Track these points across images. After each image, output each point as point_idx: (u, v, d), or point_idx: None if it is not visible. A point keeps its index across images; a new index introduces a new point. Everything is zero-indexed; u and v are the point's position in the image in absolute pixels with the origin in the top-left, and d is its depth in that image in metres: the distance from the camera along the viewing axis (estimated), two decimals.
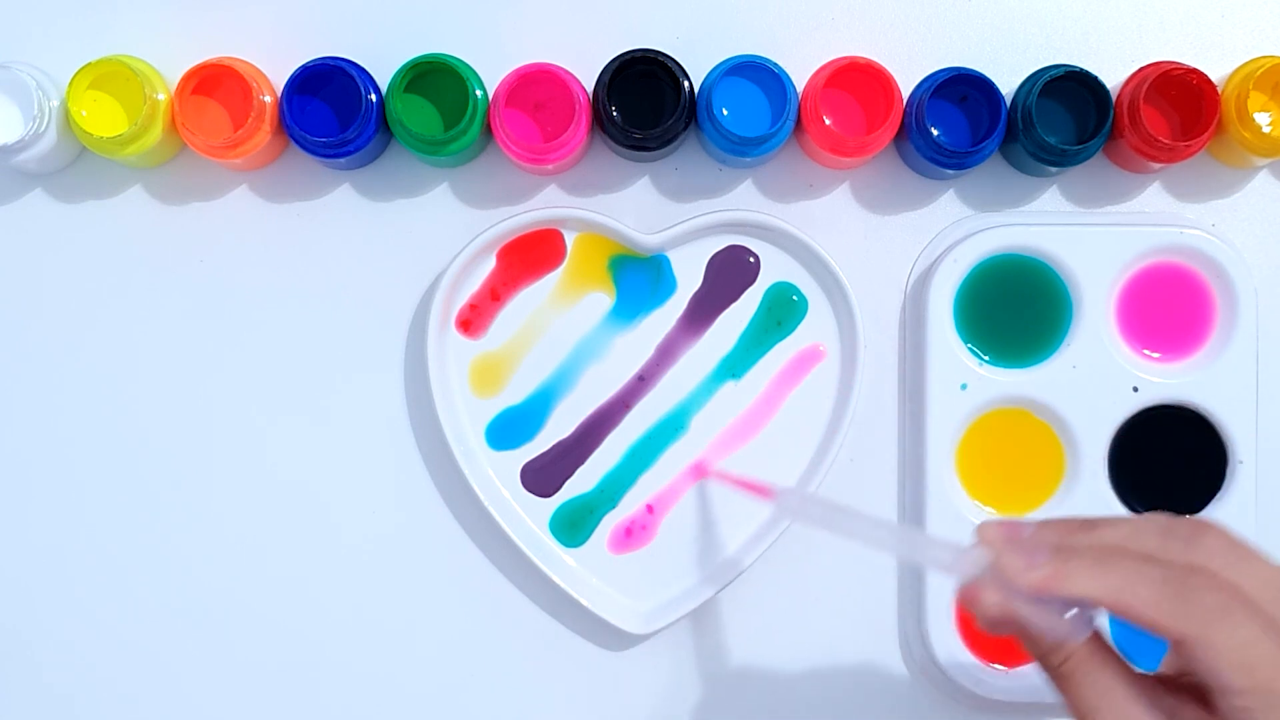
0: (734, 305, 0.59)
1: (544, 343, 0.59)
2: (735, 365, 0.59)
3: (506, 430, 0.60)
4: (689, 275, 0.59)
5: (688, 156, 0.60)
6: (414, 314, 0.60)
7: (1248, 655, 0.37)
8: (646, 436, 0.60)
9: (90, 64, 0.56)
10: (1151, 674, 0.41)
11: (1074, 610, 0.40)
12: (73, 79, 0.56)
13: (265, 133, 0.56)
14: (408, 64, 0.56)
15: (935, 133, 0.56)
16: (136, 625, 0.60)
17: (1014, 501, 0.59)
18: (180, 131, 0.56)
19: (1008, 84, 0.58)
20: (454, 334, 0.59)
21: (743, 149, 0.56)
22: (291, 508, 0.60)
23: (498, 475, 0.59)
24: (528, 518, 0.59)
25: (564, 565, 0.59)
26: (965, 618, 0.59)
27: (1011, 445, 0.59)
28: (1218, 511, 0.58)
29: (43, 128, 0.56)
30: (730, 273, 0.59)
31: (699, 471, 0.59)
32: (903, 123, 0.57)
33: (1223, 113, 0.56)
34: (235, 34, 0.59)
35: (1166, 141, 0.56)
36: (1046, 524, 0.42)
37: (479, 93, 0.56)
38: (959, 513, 0.58)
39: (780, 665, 0.60)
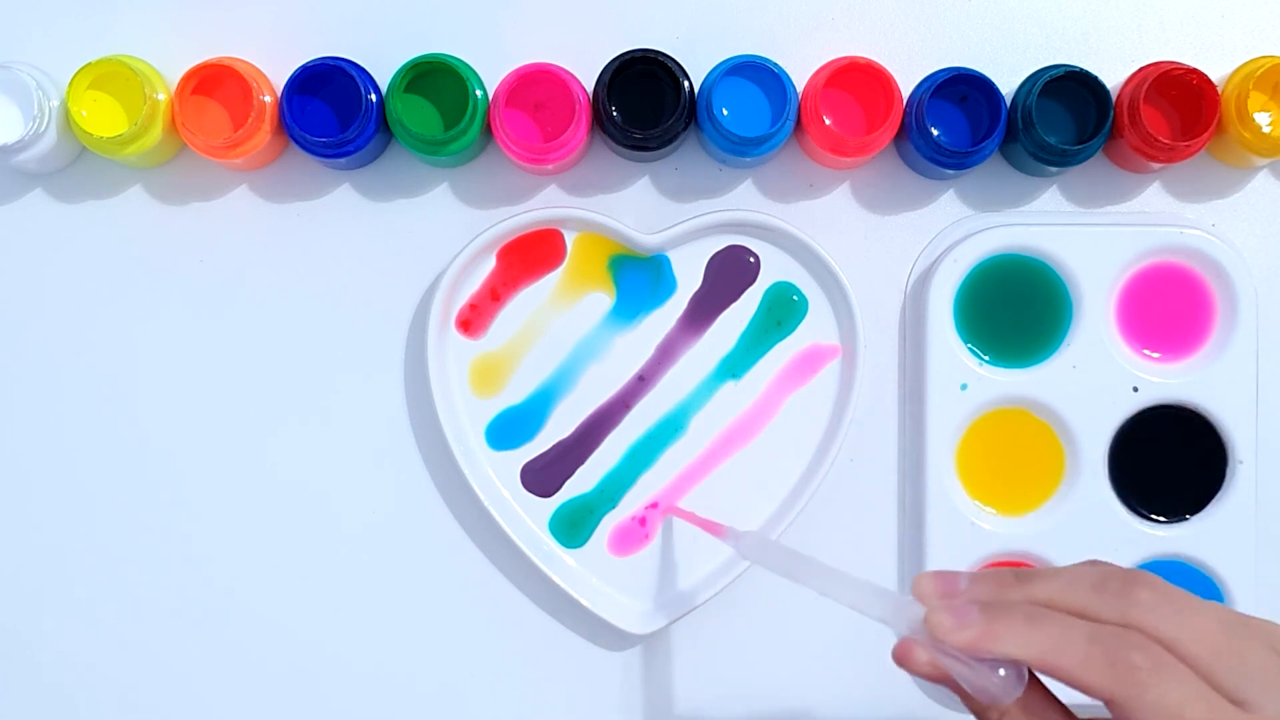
0: (734, 305, 0.59)
1: (544, 343, 0.59)
2: (735, 365, 0.59)
3: (506, 430, 0.60)
4: (689, 275, 0.59)
5: (688, 156, 0.60)
6: (414, 314, 0.60)
7: (1181, 713, 0.36)
8: (646, 436, 0.60)
9: (90, 64, 0.56)
10: None
11: (1006, 668, 0.39)
12: (73, 79, 0.56)
13: (265, 133, 0.56)
14: (408, 64, 0.56)
15: (935, 133, 0.56)
16: (137, 625, 0.60)
17: (1014, 501, 0.59)
18: (180, 131, 0.56)
19: (1008, 84, 0.58)
20: (454, 334, 0.59)
21: (743, 149, 0.56)
22: (291, 507, 0.60)
23: (498, 475, 0.59)
24: (528, 518, 0.59)
25: (564, 565, 0.59)
26: None
27: (1011, 445, 0.59)
28: (1218, 511, 0.58)
29: (43, 128, 0.56)
30: (730, 273, 0.59)
31: (662, 508, 0.59)
32: (903, 123, 0.57)
33: (1223, 113, 0.56)
34: (235, 34, 0.59)
35: (1166, 141, 0.56)
36: (980, 578, 0.41)
37: (479, 93, 0.56)
38: (959, 513, 0.58)
39: (780, 666, 0.60)
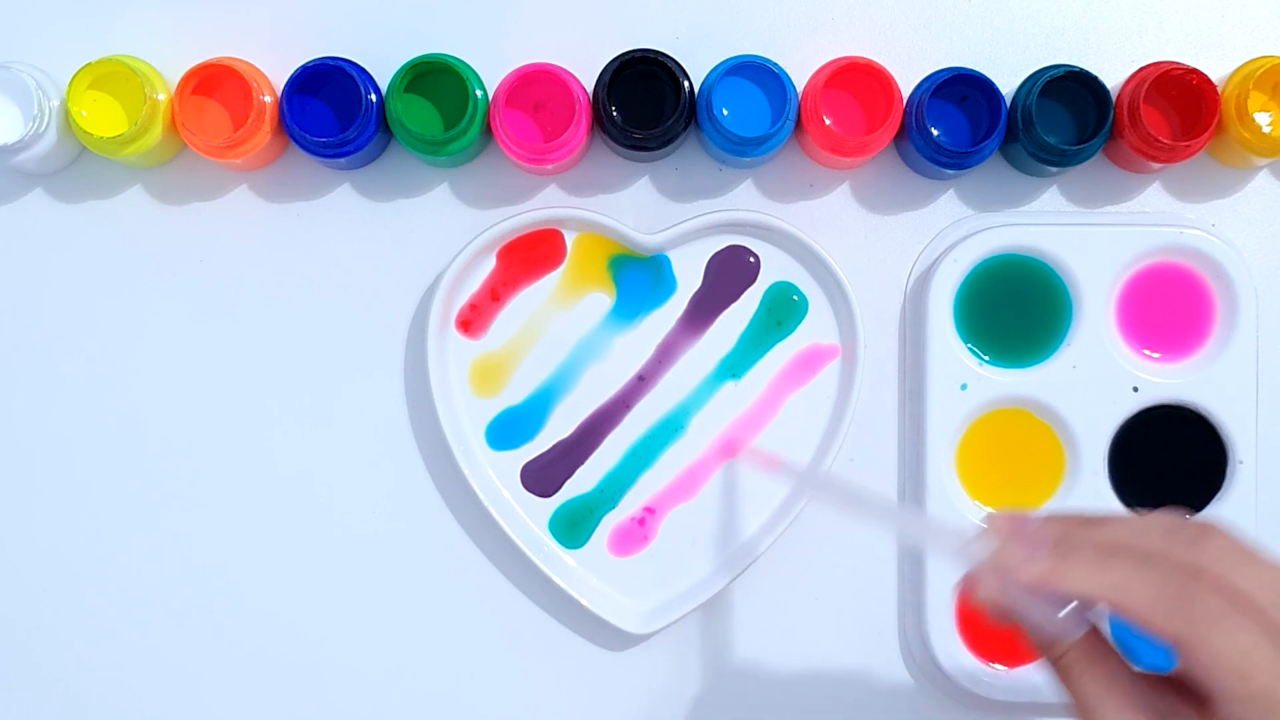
0: (734, 305, 0.59)
1: (544, 343, 0.59)
2: (735, 365, 0.59)
3: (506, 430, 0.60)
4: (689, 275, 0.59)
5: (688, 156, 0.60)
6: (414, 314, 0.60)
7: (1245, 661, 0.37)
8: (646, 436, 0.60)
9: (90, 64, 0.56)
10: (1152, 673, 0.40)
11: (1072, 605, 0.40)
12: (73, 79, 0.56)
13: (265, 133, 0.56)
14: (408, 64, 0.56)
15: (935, 133, 0.56)
16: (138, 625, 0.60)
17: (1014, 501, 0.59)
18: (180, 131, 0.56)
19: (1008, 84, 0.58)
20: (454, 334, 0.59)
21: (743, 149, 0.56)
22: (292, 507, 0.60)
23: (498, 475, 0.60)
24: (528, 518, 0.59)
25: (564, 565, 0.59)
26: (966, 618, 0.59)
27: (1011, 445, 0.59)
28: (1218, 511, 0.58)
29: (43, 128, 0.56)
30: (730, 273, 0.59)
31: (729, 449, 0.59)
32: (903, 123, 0.57)
33: (1223, 113, 0.56)
34: (235, 34, 0.59)
35: (1166, 141, 0.56)
36: (1052, 518, 0.42)
37: (479, 93, 0.56)
38: (959, 512, 0.58)
39: (780, 666, 0.60)
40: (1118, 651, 0.41)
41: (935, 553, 0.44)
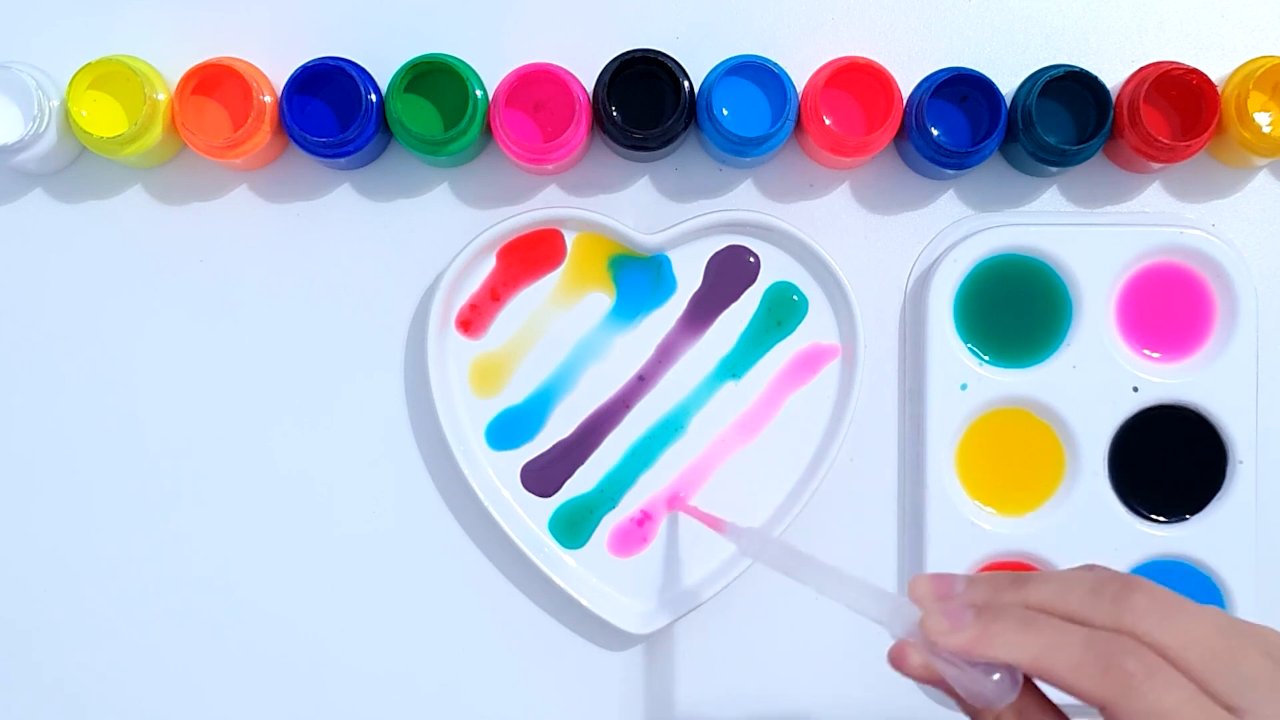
0: (734, 305, 0.59)
1: (544, 343, 0.59)
2: (735, 365, 0.59)
3: (506, 430, 0.60)
4: (689, 275, 0.59)
5: (688, 156, 0.60)
6: (414, 314, 0.60)
7: (1174, 719, 0.36)
8: (646, 436, 0.60)
9: (90, 64, 0.56)
10: None
11: (1000, 672, 0.39)
12: (73, 79, 0.56)
13: (265, 133, 0.56)
14: (408, 64, 0.56)
15: (935, 133, 0.56)
16: (138, 625, 0.60)
17: (1014, 501, 0.59)
18: (180, 131, 0.56)
19: (1008, 84, 0.58)
20: (454, 334, 0.59)
21: (743, 149, 0.56)
22: (291, 507, 0.60)
23: (498, 475, 0.59)
24: (528, 518, 0.59)
25: (564, 565, 0.59)
26: None
27: (1011, 445, 0.59)
28: (1218, 511, 0.58)
29: (43, 128, 0.56)
30: (730, 273, 0.59)
31: (672, 503, 0.59)
32: (903, 123, 0.57)
33: (1223, 113, 0.56)
34: (235, 34, 0.59)
35: (1166, 141, 0.56)
36: (975, 581, 0.41)
37: (479, 93, 0.56)
38: (959, 513, 0.58)
39: (780, 666, 0.60)
40: (1053, 709, 0.40)
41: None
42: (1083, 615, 0.38)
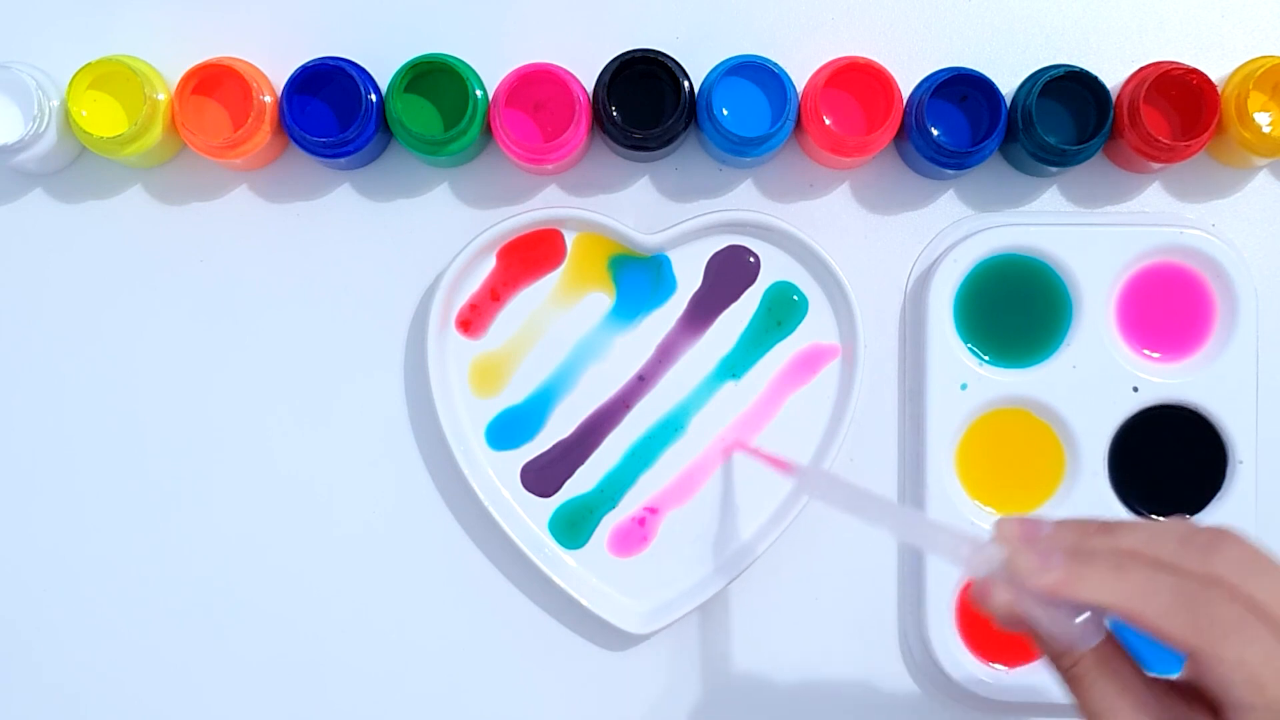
0: (734, 305, 0.59)
1: (544, 343, 0.59)
2: (735, 365, 0.59)
3: (506, 430, 0.60)
4: (689, 275, 0.59)
5: (688, 156, 0.60)
6: (414, 314, 0.60)
7: (1259, 671, 0.36)
8: (646, 436, 0.60)
9: (90, 64, 0.56)
10: (1166, 679, 0.40)
11: (1086, 614, 0.39)
12: (73, 79, 0.56)
13: (265, 133, 0.56)
14: (408, 64, 0.56)
15: (935, 133, 0.56)
16: (138, 625, 0.60)
17: (1014, 501, 0.59)
18: (180, 131, 0.56)
19: (1008, 84, 0.58)
20: (454, 334, 0.59)
21: (743, 149, 0.56)
22: (291, 507, 0.60)
23: (498, 475, 0.59)
24: (528, 518, 0.59)
25: (564, 565, 0.59)
26: (965, 618, 0.59)
27: (1011, 445, 0.59)
28: (1218, 511, 0.58)
29: (43, 128, 0.56)
30: (730, 273, 0.59)
31: (731, 447, 0.59)
32: (903, 123, 0.57)
33: (1223, 113, 0.56)
34: (235, 34, 0.59)
35: (1166, 141, 0.56)
36: (1064, 524, 0.41)
37: (479, 93, 0.56)
38: (959, 513, 0.58)
39: (780, 666, 0.60)
40: (1131, 659, 0.40)
41: (942, 557, 0.44)
42: (1172, 563, 0.38)
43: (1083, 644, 0.39)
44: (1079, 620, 0.39)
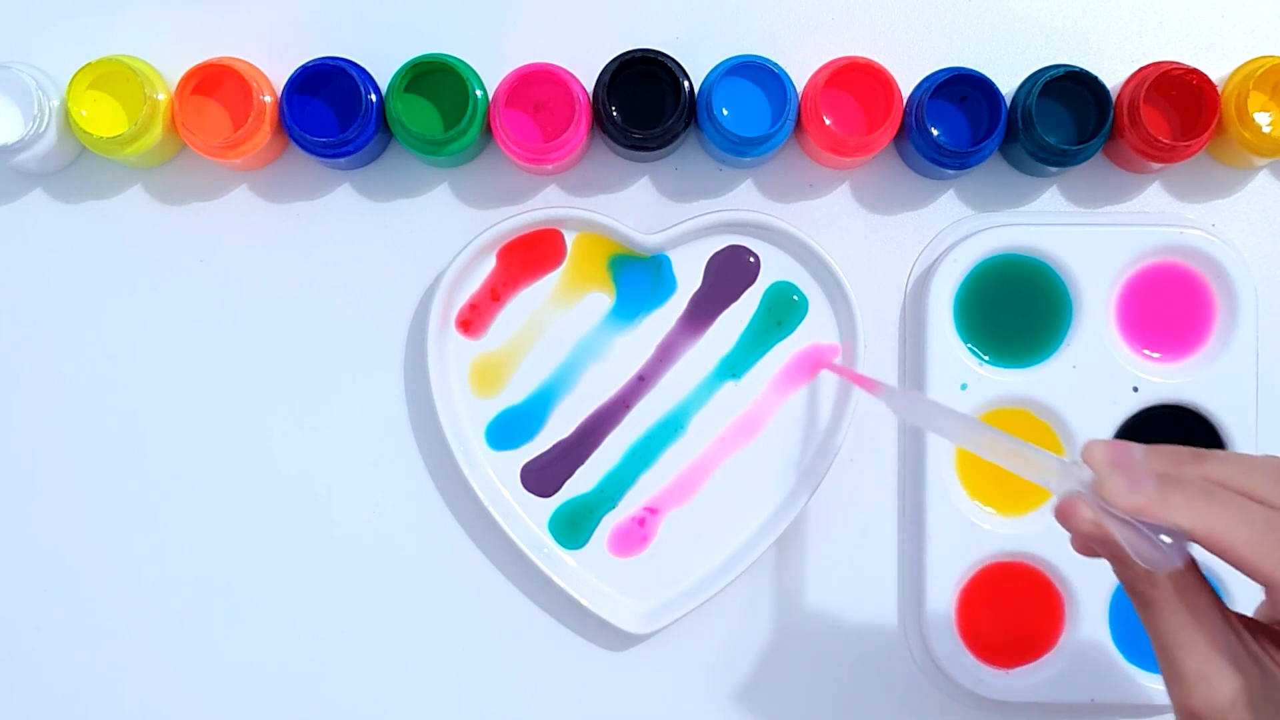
0: (734, 305, 0.59)
1: (544, 343, 0.59)
2: (735, 365, 0.59)
3: (506, 430, 0.60)
4: (689, 275, 0.59)
5: (688, 156, 0.60)
6: (414, 314, 0.60)
7: None
8: (646, 436, 0.60)
9: (90, 64, 0.56)
10: (1244, 616, 0.40)
11: (1170, 539, 0.38)
12: (73, 79, 0.56)
13: (265, 133, 0.56)
14: (408, 64, 0.56)
15: (935, 133, 0.56)
16: (138, 625, 0.60)
17: (1014, 501, 0.59)
18: (180, 131, 0.56)
19: (1008, 84, 0.58)
20: (454, 334, 0.59)
21: (743, 149, 0.56)
22: (291, 507, 0.60)
23: (498, 475, 0.60)
24: (528, 518, 0.59)
25: (564, 565, 0.59)
26: (965, 618, 0.59)
27: None
28: None
29: (43, 128, 0.56)
30: (730, 273, 0.59)
31: (816, 365, 0.59)
32: (903, 123, 0.57)
33: (1223, 113, 0.56)
34: (235, 34, 0.59)
35: (1166, 141, 0.56)
36: (1155, 450, 0.41)
37: (479, 93, 0.56)
38: (959, 513, 0.58)
39: (780, 665, 0.60)
40: (1212, 591, 0.39)
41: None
42: (1264, 496, 0.38)
43: (1166, 565, 0.38)
44: (1166, 541, 0.38)
